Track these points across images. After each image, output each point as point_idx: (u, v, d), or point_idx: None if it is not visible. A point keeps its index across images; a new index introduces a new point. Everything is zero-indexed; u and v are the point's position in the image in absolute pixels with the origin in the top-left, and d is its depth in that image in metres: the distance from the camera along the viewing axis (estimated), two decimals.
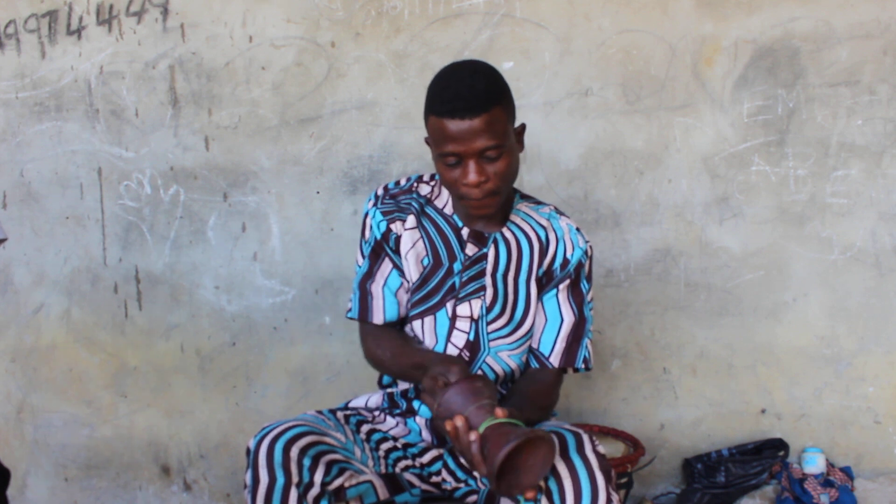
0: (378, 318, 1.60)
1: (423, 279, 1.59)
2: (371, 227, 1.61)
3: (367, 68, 2.38)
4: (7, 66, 2.50)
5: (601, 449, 1.36)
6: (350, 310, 1.64)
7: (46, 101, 2.49)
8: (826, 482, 2.26)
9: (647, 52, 2.31)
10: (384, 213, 1.60)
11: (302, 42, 2.39)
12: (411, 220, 1.60)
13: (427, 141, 1.54)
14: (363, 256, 1.63)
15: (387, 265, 1.61)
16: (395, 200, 1.62)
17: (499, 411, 1.27)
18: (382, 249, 1.60)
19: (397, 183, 1.64)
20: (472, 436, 1.26)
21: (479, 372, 1.58)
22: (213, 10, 2.40)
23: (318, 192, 2.43)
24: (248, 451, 1.37)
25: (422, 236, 1.60)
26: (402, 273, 1.60)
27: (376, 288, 1.61)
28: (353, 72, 2.38)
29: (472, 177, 1.44)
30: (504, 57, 2.32)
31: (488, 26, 2.33)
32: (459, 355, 1.56)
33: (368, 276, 1.61)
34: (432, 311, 1.58)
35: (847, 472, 2.31)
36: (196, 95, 2.43)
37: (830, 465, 2.33)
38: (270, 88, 2.41)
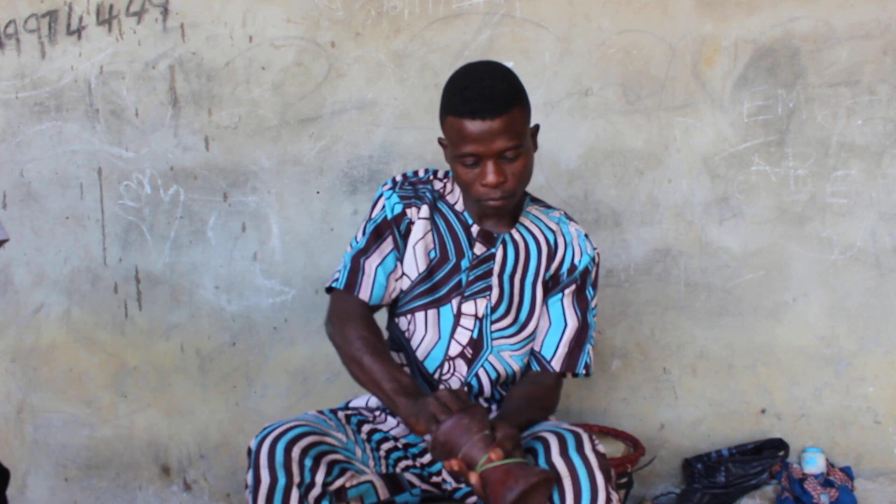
0: (365, 295, 1.55)
1: (429, 271, 1.59)
2: (384, 206, 1.59)
3: (367, 68, 2.38)
4: (7, 66, 2.50)
5: (601, 448, 1.36)
6: (336, 280, 1.57)
7: (46, 101, 2.49)
8: (826, 482, 2.26)
9: (647, 52, 2.31)
10: (402, 197, 1.59)
11: (302, 42, 2.39)
12: (425, 210, 1.59)
13: (441, 141, 1.54)
14: (363, 234, 1.60)
15: (387, 245, 1.58)
16: (414, 188, 1.61)
17: (493, 454, 1.26)
18: (388, 229, 1.58)
19: (415, 173, 1.65)
20: (473, 479, 1.27)
21: (474, 381, 1.59)
22: (213, 10, 2.40)
23: (318, 192, 2.43)
24: (249, 451, 1.36)
25: (432, 229, 1.60)
26: (400, 260, 1.59)
27: (370, 265, 1.57)
28: (353, 72, 2.38)
29: (491, 177, 1.44)
30: (504, 57, 2.32)
31: (488, 26, 2.33)
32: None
33: (364, 252, 1.58)
34: (436, 304, 1.58)
35: (847, 472, 2.31)
36: (196, 95, 2.43)
37: (830, 465, 2.33)
38: (270, 88, 2.41)
